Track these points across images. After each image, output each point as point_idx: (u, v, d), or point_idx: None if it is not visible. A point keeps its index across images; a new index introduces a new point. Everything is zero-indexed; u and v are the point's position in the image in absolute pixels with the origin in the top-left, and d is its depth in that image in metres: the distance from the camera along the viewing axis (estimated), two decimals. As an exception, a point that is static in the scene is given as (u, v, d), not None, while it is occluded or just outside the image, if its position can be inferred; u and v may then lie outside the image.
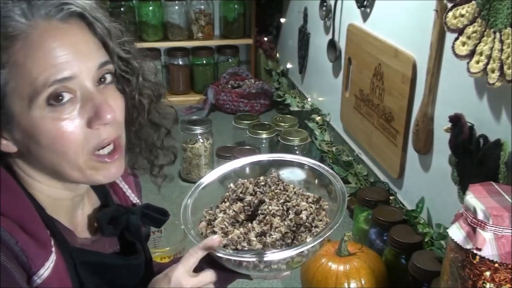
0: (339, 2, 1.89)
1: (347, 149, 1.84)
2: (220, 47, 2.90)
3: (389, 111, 1.50)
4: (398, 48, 1.44)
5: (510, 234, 0.81)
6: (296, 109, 2.32)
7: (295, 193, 0.91)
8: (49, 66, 0.68)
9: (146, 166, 0.93)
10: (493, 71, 0.96)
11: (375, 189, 1.57)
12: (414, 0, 1.35)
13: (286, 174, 0.99)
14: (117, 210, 0.85)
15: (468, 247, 0.83)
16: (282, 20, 2.75)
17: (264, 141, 2.04)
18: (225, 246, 0.82)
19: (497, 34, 0.95)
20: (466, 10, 1.02)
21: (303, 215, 0.85)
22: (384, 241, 1.35)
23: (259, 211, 0.88)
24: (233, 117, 2.22)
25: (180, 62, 2.82)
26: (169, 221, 0.94)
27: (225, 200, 0.93)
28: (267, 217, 0.85)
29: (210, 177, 0.96)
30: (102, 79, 0.74)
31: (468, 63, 1.02)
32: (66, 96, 0.69)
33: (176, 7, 2.72)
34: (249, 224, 0.85)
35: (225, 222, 0.86)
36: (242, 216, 0.89)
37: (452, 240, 0.87)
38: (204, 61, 2.86)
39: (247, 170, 1.00)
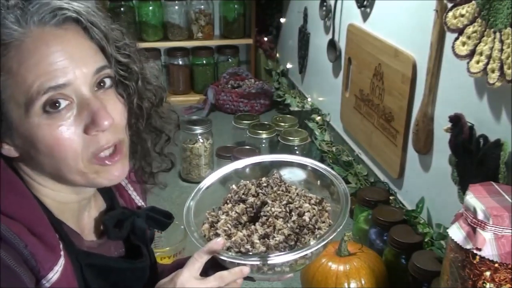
0: (339, 2, 1.89)
1: (347, 149, 1.84)
2: (220, 47, 2.90)
3: (389, 111, 1.50)
4: (398, 48, 1.44)
5: (510, 234, 0.81)
6: (296, 109, 2.32)
7: (297, 194, 0.91)
8: (42, 73, 0.67)
9: (140, 171, 0.92)
10: (493, 71, 0.96)
11: (375, 189, 1.57)
12: (414, 0, 1.34)
13: (287, 174, 0.99)
14: (123, 213, 0.85)
15: (468, 247, 0.83)
16: (282, 20, 2.75)
17: (264, 141, 2.04)
18: (228, 248, 0.82)
19: (497, 34, 0.95)
20: (466, 10, 1.02)
21: (306, 217, 0.85)
22: (384, 241, 1.35)
23: (262, 213, 0.88)
24: (233, 117, 2.22)
25: (180, 62, 2.83)
26: (169, 220, 0.94)
27: (227, 201, 0.93)
28: (270, 219, 0.85)
29: (211, 178, 0.96)
30: (101, 84, 0.74)
31: (468, 63, 1.02)
32: (63, 103, 0.69)
33: (176, 7, 2.72)
34: (252, 226, 0.85)
35: (228, 224, 0.86)
36: (244, 218, 0.89)
37: (452, 240, 0.87)
38: (204, 61, 2.86)
39: (249, 171, 1.00)
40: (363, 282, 1.22)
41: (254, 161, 1.00)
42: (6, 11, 0.68)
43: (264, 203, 0.89)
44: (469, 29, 1.02)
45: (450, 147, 1.15)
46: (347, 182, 1.68)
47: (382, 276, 1.25)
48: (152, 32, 2.73)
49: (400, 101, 1.43)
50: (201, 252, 0.80)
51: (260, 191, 0.92)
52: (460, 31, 1.04)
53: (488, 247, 0.82)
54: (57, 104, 0.69)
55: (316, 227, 0.84)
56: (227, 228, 0.85)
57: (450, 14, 1.05)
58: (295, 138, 1.94)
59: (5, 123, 0.69)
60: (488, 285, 0.84)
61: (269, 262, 0.78)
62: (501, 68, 0.94)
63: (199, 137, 1.95)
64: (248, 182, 0.95)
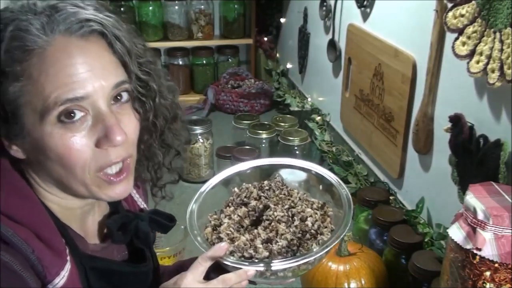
0: (339, 2, 1.89)
1: (347, 149, 1.84)
2: (220, 47, 2.90)
3: (389, 111, 1.50)
4: (398, 48, 1.44)
5: (510, 234, 0.81)
6: (296, 109, 2.32)
7: (299, 198, 0.91)
8: (62, 84, 0.67)
9: (149, 182, 0.93)
10: (493, 71, 0.96)
11: (375, 189, 1.57)
12: (414, 0, 1.34)
13: (286, 174, 0.99)
14: (126, 216, 0.85)
15: (468, 247, 0.83)
16: (282, 20, 2.75)
17: (264, 141, 2.04)
18: (231, 252, 0.82)
19: (497, 34, 0.95)
20: (466, 10, 1.02)
21: (309, 222, 0.85)
22: (384, 241, 1.35)
23: (264, 217, 0.88)
24: (233, 117, 2.22)
25: (180, 62, 2.82)
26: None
27: (229, 204, 0.93)
28: (273, 223, 0.86)
29: (214, 181, 0.96)
30: (118, 97, 0.74)
31: (468, 63, 1.02)
32: (78, 114, 0.69)
33: (176, 7, 2.72)
34: (255, 230, 0.86)
35: (231, 228, 0.86)
36: (247, 221, 0.89)
37: (452, 240, 0.87)
38: (204, 61, 2.86)
39: (250, 172, 1.00)
40: (363, 282, 1.22)
41: (257, 164, 1.00)
42: (33, 17, 0.68)
43: (266, 207, 0.89)
44: (469, 29, 1.02)
45: (450, 147, 1.15)
46: (347, 182, 1.68)
47: (382, 276, 1.25)
48: (152, 32, 2.73)
49: (400, 101, 1.43)
50: (205, 256, 0.80)
51: (262, 194, 0.92)
52: (460, 31, 1.04)
53: (488, 247, 0.82)
54: (72, 115, 0.69)
55: (319, 232, 0.84)
56: (230, 232, 0.85)
57: (450, 14, 1.05)
58: (295, 138, 1.94)
59: (18, 126, 0.69)
60: (488, 285, 0.84)
61: (272, 267, 0.78)
62: (501, 68, 0.94)
63: (199, 137, 1.95)
64: (250, 185, 0.95)
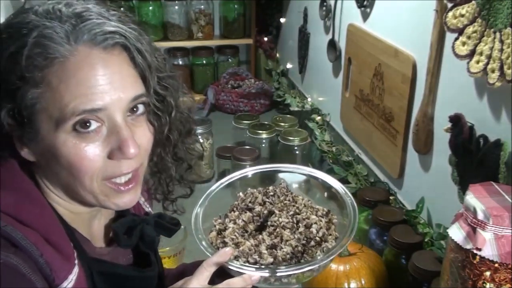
0: (339, 2, 1.89)
1: (347, 149, 1.84)
2: (220, 47, 2.90)
3: (389, 111, 1.50)
4: (398, 48, 1.44)
5: (510, 234, 0.81)
6: (296, 109, 2.32)
7: (304, 205, 0.92)
8: (80, 94, 0.67)
9: (161, 196, 0.93)
10: (493, 71, 0.96)
11: (375, 189, 1.57)
12: (414, 0, 1.34)
13: (286, 176, 0.99)
14: (133, 220, 0.84)
15: (468, 247, 0.83)
16: (282, 20, 2.75)
17: (264, 141, 2.04)
18: (236, 257, 0.82)
19: (497, 34, 0.95)
20: (466, 10, 1.02)
21: (313, 229, 0.85)
22: (384, 241, 1.35)
23: (269, 223, 0.88)
24: (233, 117, 2.22)
25: (180, 62, 2.82)
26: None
27: (234, 209, 0.93)
28: (277, 229, 0.86)
29: (219, 185, 0.96)
30: (135, 109, 0.74)
31: (468, 63, 1.02)
32: (93, 124, 0.69)
33: (176, 7, 2.72)
34: (260, 236, 0.86)
35: (236, 233, 0.86)
36: (251, 226, 0.89)
37: (452, 240, 0.87)
38: (204, 61, 2.86)
39: (252, 176, 1.00)
40: (363, 282, 1.22)
41: (261, 169, 1.00)
42: (58, 24, 0.67)
43: (271, 213, 0.90)
44: (469, 29, 1.02)
45: (450, 147, 1.15)
46: (347, 182, 1.68)
47: (382, 276, 1.25)
48: (152, 32, 2.72)
49: (400, 101, 1.43)
50: (210, 261, 0.80)
51: (267, 200, 0.93)
52: (460, 31, 1.04)
53: (488, 247, 0.82)
54: (87, 124, 0.68)
55: (323, 239, 0.85)
56: (234, 237, 0.86)
57: (450, 14, 1.05)
58: (295, 138, 1.94)
59: (32, 131, 0.69)
60: (488, 285, 0.84)
61: (277, 274, 0.79)
62: (501, 68, 0.94)
63: (199, 137, 1.95)
64: (255, 190, 0.95)
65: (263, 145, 2.04)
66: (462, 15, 1.03)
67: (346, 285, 1.21)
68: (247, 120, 2.15)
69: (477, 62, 1.00)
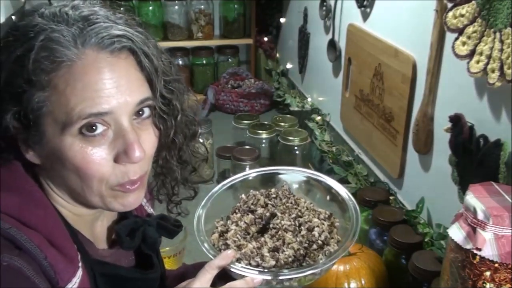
0: (339, 2, 1.89)
1: (347, 149, 1.84)
2: (220, 47, 2.90)
3: (389, 111, 1.50)
4: (398, 48, 1.44)
5: (510, 234, 0.81)
6: (296, 109, 2.32)
7: (306, 208, 0.92)
8: (87, 98, 0.67)
9: (165, 197, 0.93)
10: (493, 71, 0.96)
11: (375, 189, 1.57)
12: (414, 0, 1.35)
13: (288, 178, 0.99)
14: (135, 222, 0.84)
15: (468, 247, 0.83)
16: (282, 20, 2.75)
17: (264, 141, 2.04)
18: (238, 260, 0.82)
19: (497, 34, 0.95)
20: (466, 10, 1.02)
21: (316, 232, 0.85)
22: (384, 241, 1.35)
23: (271, 225, 0.88)
24: (233, 117, 2.22)
25: (180, 62, 2.82)
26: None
27: (236, 211, 0.93)
28: (280, 232, 0.86)
29: (221, 186, 0.96)
30: (140, 112, 0.73)
31: (468, 63, 1.02)
32: (99, 128, 0.69)
33: (176, 7, 2.73)
34: (262, 238, 0.86)
35: (238, 235, 0.86)
36: (253, 229, 0.89)
37: (452, 240, 0.87)
38: (204, 61, 2.86)
39: (255, 178, 1.00)
40: (363, 282, 1.22)
41: (263, 171, 1.00)
42: (65, 28, 0.67)
43: (273, 215, 0.90)
44: (469, 29, 1.02)
45: (450, 147, 1.15)
46: (347, 182, 1.68)
47: (382, 276, 1.25)
48: (152, 32, 2.72)
49: (400, 101, 1.43)
50: (213, 264, 0.80)
51: (269, 202, 0.93)
52: (460, 31, 1.04)
53: (488, 247, 0.82)
54: (93, 128, 0.68)
55: (325, 243, 0.85)
56: (236, 239, 0.85)
57: (450, 14, 1.05)
58: (295, 138, 1.94)
59: (38, 134, 0.69)
60: (488, 285, 0.84)
61: (280, 277, 0.79)
62: (501, 68, 0.94)
63: (199, 137, 1.95)
64: (257, 192, 0.95)
65: (263, 145, 2.04)
66: (462, 15, 1.03)
67: (346, 285, 1.21)
68: (247, 120, 2.15)
69: (477, 62, 1.00)
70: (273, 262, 0.81)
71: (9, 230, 0.65)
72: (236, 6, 2.81)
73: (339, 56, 1.92)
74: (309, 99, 2.32)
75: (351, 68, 1.80)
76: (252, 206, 0.92)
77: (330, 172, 1.75)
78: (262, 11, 2.83)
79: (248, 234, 0.88)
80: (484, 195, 0.87)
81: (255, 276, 0.79)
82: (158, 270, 0.89)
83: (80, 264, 0.72)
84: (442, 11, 1.16)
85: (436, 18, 1.21)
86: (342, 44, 1.89)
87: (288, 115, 2.27)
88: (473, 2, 1.00)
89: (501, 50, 0.94)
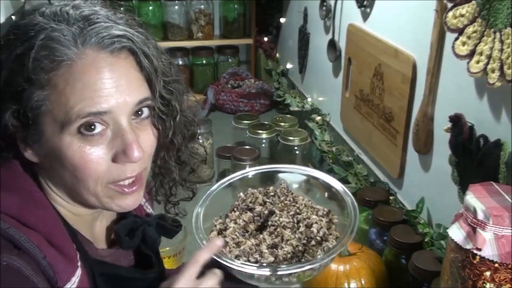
0: (339, 2, 1.89)
1: (347, 149, 1.84)
2: (220, 47, 2.90)
3: (389, 111, 1.50)
4: (398, 48, 1.44)
5: (510, 234, 0.81)
6: (296, 109, 2.32)
7: (305, 205, 0.92)
8: (86, 97, 0.67)
9: (163, 198, 0.93)
10: (493, 71, 0.96)
11: (375, 189, 1.57)
12: (414, 0, 1.35)
13: (286, 176, 0.99)
14: (134, 221, 0.84)
15: (468, 247, 0.83)
16: (282, 20, 2.75)
17: (264, 141, 2.04)
18: (237, 257, 0.82)
19: (497, 34, 0.95)
20: (466, 10, 1.02)
21: (314, 229, 0.86)
22: (384, 241, 1.35)
23: (270, 222, 0.88)
24: (233, 117, 2.22)
25: (180, 62, 2.82)
26: (170, 220, 0.94)
27: (235, 209, 0.93)
28: (278, 229, 0.86)
29: (219, 185, 0.96)
30: (139, 112, 0.74)
31: (468, 63, 1.02)
32: (98, 127, 0.69)
33: (176, 7, 2.72)
34: (260, 236, 0.86)
35: (236, 233, 0.86)
36: (252, 226, 0.89)
37: (452, 240, 0.87)
38: (204, 61, 2.86)
39: (254, 176, 1.00)
40: (363, 282, 1.22)
41: (261, 169, 1.00)
42: (65, 27, 0.67)
43: (271, 213, 0.90)
44: (469, 29, 1.02)
45: (450, 147, 1.15)
46: (347, 182, 1.68)
47: (382, 276, 1.25)
48: (152, 32, 2.72)
49: (400, 101, 1.43)
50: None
51: (267, 200, 0.93)
52: (460, 31, 1.04)
53: (488, 247, 0.82)
54: (92, 127, 0.68)
55: (324, 239, 0.85)
56: (235, 236, 0.86)
57: (450, 14, 1.05)
58: (295, 138, 1.94)
59: (37, 133, 0.69)
60: (488, 285, 0.84)
61: (278, 273, 0.79)
62: (501, 68, 0.94)
63: (199, 137, 1.95)
64: (255, 190, 0.95)
65: (263, 145, 2.04)
66: (462, 15, 1.03)
67: (346, 285, 1.21)
68: (247, 120, 2.15)
69: (477, 62, 1.00)
70: (272, 259, 0.81)
71: (8, 230, 0.66)
72: (236, 6, 2.80)
73: (339, 56, 1.92)
74: (309, 99, 2.32)
75: (351, 68, 1.80)
76: (250, 204, 0.92)
77: (330, 172, 1.75)
78: (262, 11, 2.83)
79: (247, 231, 0.88)
80: (484, 195, 0.87)
81: (254, 271, 0.79)
82: (158, 270, 0.89)
83: (79, 263, 0.72)
84: (442, 11, 1.16)
85: (436, 18, 1.21)
86: (342, 44, 1.89)
87: (288, 115, 2.26)
88: (473, 2, 1.00)
89: (501, 50, 0.94)
